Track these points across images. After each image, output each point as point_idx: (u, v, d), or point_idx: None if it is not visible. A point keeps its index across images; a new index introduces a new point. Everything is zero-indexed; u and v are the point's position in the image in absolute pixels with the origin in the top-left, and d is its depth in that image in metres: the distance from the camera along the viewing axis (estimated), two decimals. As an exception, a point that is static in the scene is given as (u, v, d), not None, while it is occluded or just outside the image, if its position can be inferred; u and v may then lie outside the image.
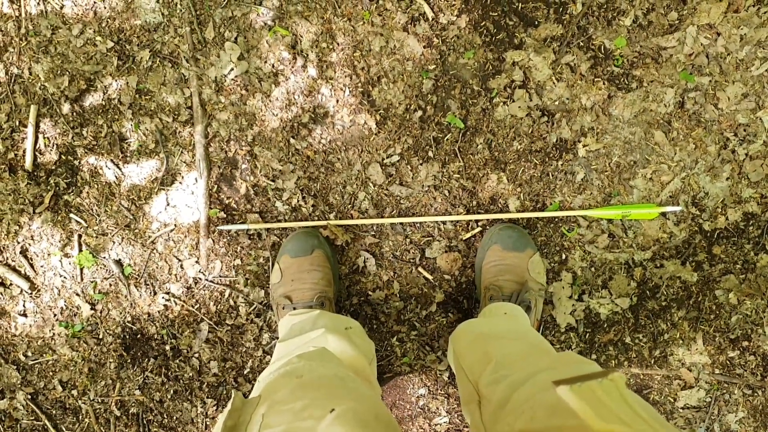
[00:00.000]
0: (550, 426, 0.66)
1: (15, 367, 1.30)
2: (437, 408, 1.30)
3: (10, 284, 1.29)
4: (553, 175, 1.25)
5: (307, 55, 1.24)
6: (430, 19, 1.23)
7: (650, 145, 1.24)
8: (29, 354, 1.30)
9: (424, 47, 1.23)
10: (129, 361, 1.28)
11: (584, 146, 1.24)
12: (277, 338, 1.22)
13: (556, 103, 1.24)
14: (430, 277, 1.27)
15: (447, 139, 1.25)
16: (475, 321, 1.13)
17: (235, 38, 1.23)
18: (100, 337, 1.29)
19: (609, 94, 1.23)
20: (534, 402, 0.72)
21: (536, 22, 1.23)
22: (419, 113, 1.24)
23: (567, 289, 1.26)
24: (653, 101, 1.24)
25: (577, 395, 0.55)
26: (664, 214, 1.25)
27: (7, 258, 1.28)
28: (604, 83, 1.23)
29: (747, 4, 1.21)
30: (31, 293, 1.29)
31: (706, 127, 1.24)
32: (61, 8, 1.24)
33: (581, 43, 1.23)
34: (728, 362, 1.27)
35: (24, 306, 1.29)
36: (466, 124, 1.25)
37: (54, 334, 1.29)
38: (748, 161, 1.24)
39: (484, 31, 1.24)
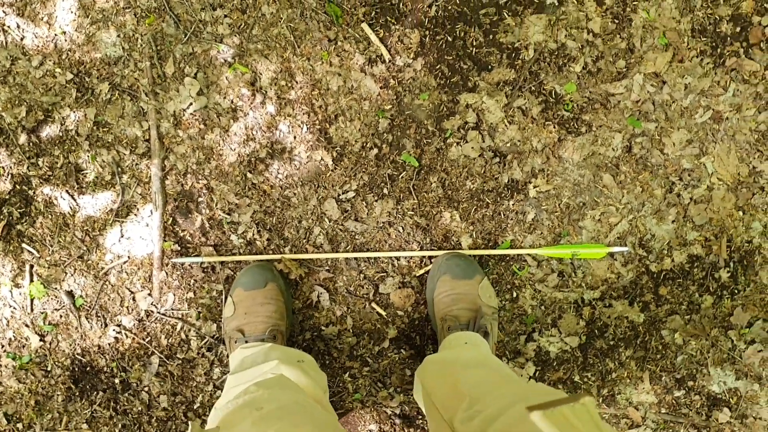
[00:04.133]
0: None
1: (-41, 398, 1.27)
2: (389, 444, 1.30)
3: (-42, 314, 1.27)
4: (504, 215, 1.28)
5: (266, 92, 1.26)
6: (387, 60, 1.26)
7: (599, 188, 1.28)
8: (-26, 385, 1.28)
9: (381, 88, 1.26)
10: (77, 394, 1.27)
11: (535, 187, 1.27)
12: (228, 372, 1.22)
13: (508, 144, 1.27)
14: (383, 312, 1.28)
15: (402, 177, 1.27)
16: (438, 354, 1.14)
17: (195, 74, 1.25)
18: (49, 369, 1.27)
19: (559, 137, 1.27)
20: None
21: (490, 67, 1.27)
22: (375, 151, 1.27)
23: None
24: (602, 145, 1.28)
25: (550, 420, 0.57)
26: (612, 255, 1.28)
27: (-44, 287, 1.27)
28: (554, 127, 1.27)
29: (691, 55, 1.27)
30: (-22, 323, 1.27)
31: (652, 171, 1.28)
32: (22, 39, 1.25)
33: (533, 88, 1.27)
34: (674, 402, 1.29)
35: (-29, 336, 1.27)
36: (420, 162, 1.27)
37: (0, 365, 1.27)
38: (692, 205, 1.28)
39: (439, 74, 1.27)
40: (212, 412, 0.94)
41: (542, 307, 1.29)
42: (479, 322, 1.15)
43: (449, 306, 1.18)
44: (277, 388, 0.95)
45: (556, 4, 1.26)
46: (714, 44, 1.27)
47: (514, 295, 1.28)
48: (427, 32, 1.27)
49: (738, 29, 1.27)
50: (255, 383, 0.95)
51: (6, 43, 1.25)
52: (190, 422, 0.85)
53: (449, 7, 1.27)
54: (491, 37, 1.27)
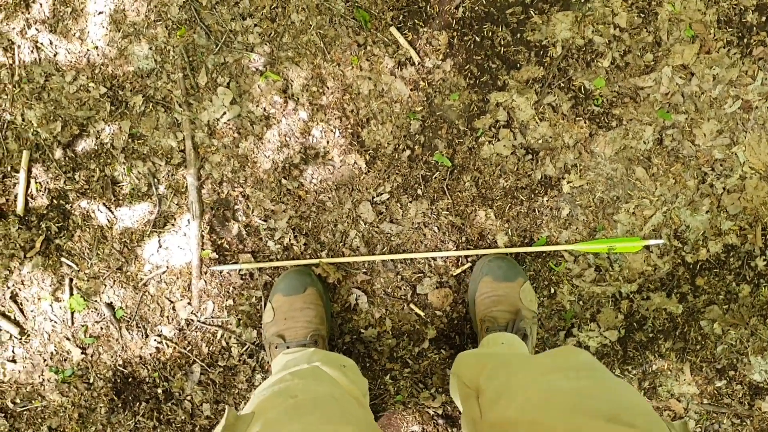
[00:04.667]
0: (536, 420, 0.68)
1: (3, 414, 1.27)
2: (431, 445, 1.30)
3: (-1, 330, 1.28)
4: (539, 211, 1.28)
5: (298, 98, 1.27)
6: (416, 63, 1.27)
7: (632, 181, 1.28)
8: (17, 401, 1.28)
9: (411, 90, 1.27)
10: (120, 405, 1.27)
11: (568, 183, 1.28)
12: (271, 378, 1.22)
13: (540, 141, 1.28)
14: (421, 313, 1.29)
15: (435, 177, 1.28)
16: (472, 350, 1.15)
17: (228, 83, 1.26)
18: (91, 381, 1.28)
19: (590, 133, 1.28)
20: (530, 387, 0.74)
21: (518, 65, 1.28)
22: (407, 153, 1.28)
23: (556, 323, 1.28)
24: (633, 138, 1.28)
25: None
26: (647, 248, 1.28)
27: (-3, 303, 1.28)
28: (585, 122, 1.28)
29: (718, 46, 1.28)
30: (20, 338, 1.27)
31: (684, 163, 1.28)
32: (55, 56, 1.26)
33: (562, 84, 1.28)
34: (716, 392, 1.29)
35: (13, 351, 1.28)
36: (453, 162, 1.28)
37: (43, 379, 1.28)
38: (725, 195, 1.28)
39: (469, 74, 1.28)
40: (251, 399, 0.95)
41: (580, 302, 1.29)
42: (518, 324, 1.15)
43: (489, 307, 1.18)
44: (311, 378, 0.95)
45: (582, 0, 1.27)
46: (740, 34, 1.28)
47: (552, 291, 1.29)
48: (455, 33, 1.28)
49: (763, 18, 1.28)
50: (290, 372, 0.95)
51: (39, 59, 1.26)
52: (226, 407, 0.85)
53: (476, 8, 1.28)
54: (519, 35, 1.28)
